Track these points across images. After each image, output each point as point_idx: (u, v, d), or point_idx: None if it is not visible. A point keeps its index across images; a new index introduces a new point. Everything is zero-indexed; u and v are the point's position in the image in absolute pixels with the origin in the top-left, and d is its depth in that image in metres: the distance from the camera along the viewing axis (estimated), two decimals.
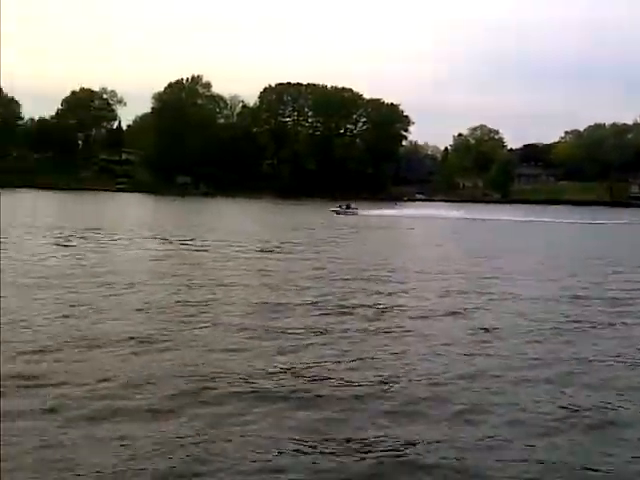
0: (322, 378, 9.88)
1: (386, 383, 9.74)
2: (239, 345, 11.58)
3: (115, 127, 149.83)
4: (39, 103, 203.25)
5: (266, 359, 10.75)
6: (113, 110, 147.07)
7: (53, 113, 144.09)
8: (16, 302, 14.60)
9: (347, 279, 20.50)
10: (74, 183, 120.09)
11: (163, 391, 8.98)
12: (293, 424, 8.06)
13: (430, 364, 10.90)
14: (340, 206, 68.53)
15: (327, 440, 7.60)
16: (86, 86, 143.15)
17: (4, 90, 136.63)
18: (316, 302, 16.06)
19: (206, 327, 12.88)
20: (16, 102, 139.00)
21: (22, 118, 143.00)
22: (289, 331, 12.77)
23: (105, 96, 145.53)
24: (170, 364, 10.25)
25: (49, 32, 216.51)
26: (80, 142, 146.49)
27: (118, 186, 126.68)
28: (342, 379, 9.85)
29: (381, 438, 7.71)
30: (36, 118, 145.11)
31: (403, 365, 10.76)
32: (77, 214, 54.72)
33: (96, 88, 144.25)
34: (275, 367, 10.30)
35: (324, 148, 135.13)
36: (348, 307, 15.62)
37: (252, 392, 9.12)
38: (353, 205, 69.98)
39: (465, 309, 15.81)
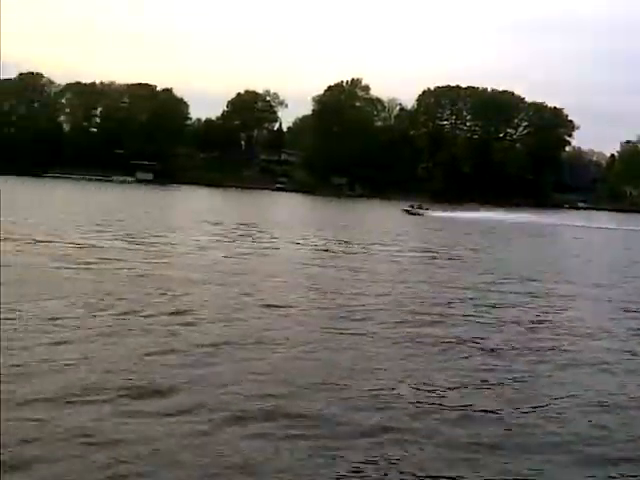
0: (478, 394, 9.42)
1: (549, 408, 9.01)
2: (394, 355, 11.20)
3: (276, 128, 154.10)
4: (206, 104, 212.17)
5: (419, 370, 10.39)
6: (275, 112, 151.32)
7: (219, 114, 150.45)
8: (186, 297, 15.06)
9: (505, 289, 19.59)
10: (237, 181, 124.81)
11: (318, 397, 8.84)
12: (457, 439, 7.71)
13: (602, 388, 10.06)
14: (411, 206, 69.45)
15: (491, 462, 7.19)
16: (250, 88, 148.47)
17: (175, 91, 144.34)
18: (473, 313, 15.36)
19: (359, 334, 12.48)
20: (185, 103, 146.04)
21: (190, 119, 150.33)
22: (444, 341, 12.28)
23: (268, 98, 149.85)
24: (325, 370, 10.09)
25: (217, 35, 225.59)
26: (243, 142, 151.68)
27: (278, 185, 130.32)
28: (499, 398, 9.32)
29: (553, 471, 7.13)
30: (203, 119, 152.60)
31: (569, 389, 9.95)
32: (241, 211, 56.50)
33: (260, 90, 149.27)
34: (431, 381, 9.87)
35: (482, 152, 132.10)
36: (508, 320, 14.83)
37: (409, 404, 8.82)
38: (425, 206, 70.77)
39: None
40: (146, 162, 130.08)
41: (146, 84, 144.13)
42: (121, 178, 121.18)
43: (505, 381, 10.06)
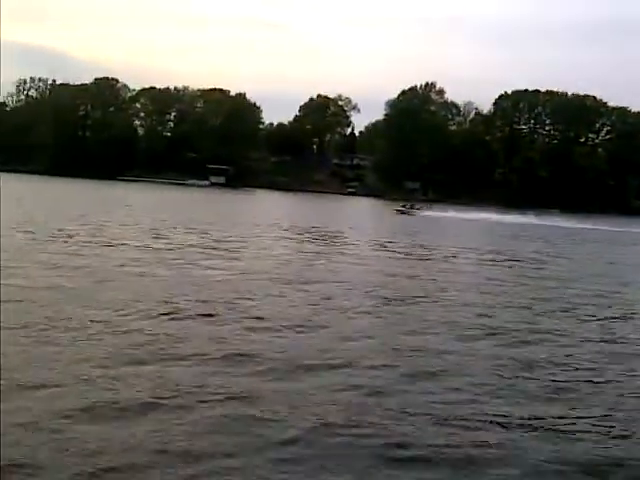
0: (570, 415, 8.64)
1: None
2: (480, 370, 10.34)
3: (348, 133, 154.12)
4: (278, 108, 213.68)
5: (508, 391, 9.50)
6: (347, 116, 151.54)
7: (291, 119, 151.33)
8: (264, 301, 14.65)
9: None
10: (308, 185, 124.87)
11: (409, 412, 8.38)
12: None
13: None
14: (404, 206, 70.28)
15: None
16: (323, 93, 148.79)
17: (248, 96, 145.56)
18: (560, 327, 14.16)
19: (439, 347, 11.59)
20: (258, 107, 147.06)
21: (263, 123, 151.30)
22: (535, 359, 11.24)
23: (340, 103, 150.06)
24: (409, 384, 9.59)
25: (290, 40, 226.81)
26: (315, 147, 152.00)
27: (349, 190, 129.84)
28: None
29: None
30: (275, 123, 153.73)
31: None
32: (315, 215, 56.18)
33: (332, 95, 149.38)
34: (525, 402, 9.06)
35: (561, 157, 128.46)
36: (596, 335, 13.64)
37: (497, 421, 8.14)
38: (417, 205, 72.15)
39: None
40: (219, 166, 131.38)
41: (220, 89, 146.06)
42: (198, 182, 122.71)
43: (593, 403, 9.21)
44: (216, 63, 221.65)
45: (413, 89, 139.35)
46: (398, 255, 27.09)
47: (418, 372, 9.91)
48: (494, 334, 12.86)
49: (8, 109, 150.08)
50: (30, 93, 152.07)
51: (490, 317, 14.54)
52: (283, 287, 16.50)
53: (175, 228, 31.29)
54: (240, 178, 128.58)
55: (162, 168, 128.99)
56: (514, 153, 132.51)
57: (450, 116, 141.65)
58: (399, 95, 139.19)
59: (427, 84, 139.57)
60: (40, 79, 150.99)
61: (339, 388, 8.91)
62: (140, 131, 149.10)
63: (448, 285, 19.05)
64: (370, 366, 10.02)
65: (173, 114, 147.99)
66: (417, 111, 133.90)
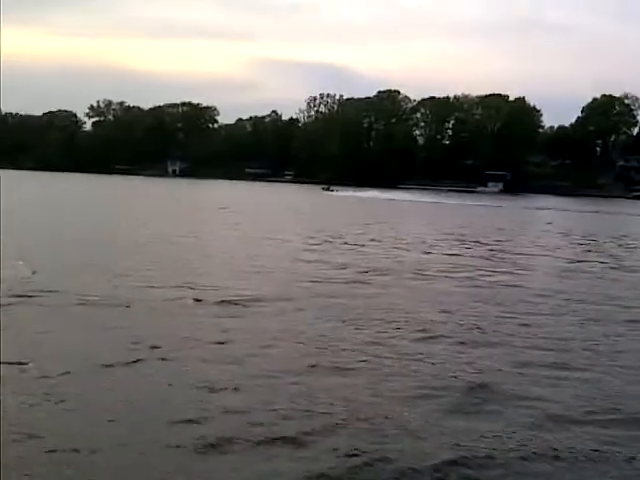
0: None
1: None
2: None
3: (636, 133, 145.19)
4: (560, 111, 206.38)
5: None
6: (635, 116, 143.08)
7: (573, 121, 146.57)
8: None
9: None
10: (589, 190, 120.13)
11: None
12: None
13: None
14: (323, 187, 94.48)
15: None
16: (608, 92, 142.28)
17: (527, 100, 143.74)
18: None
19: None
20: (538, 111, 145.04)
21: (543, 127, 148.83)
22: None
23: (627, 102, 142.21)
24: None
25: (570, 40, 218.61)
26: (598, 149, 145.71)
27: (633, 194, 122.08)
28: None
29: None
30: (555, 126, 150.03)
31: None
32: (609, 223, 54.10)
33: (618, 94, 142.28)
34: None
35: None
36: None
37: None
38: (332, 187, 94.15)
39: None
40: (497, 172, 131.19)
41: (498, 94, 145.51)
42: (487, 189, 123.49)
43: None
44: (494, 69, 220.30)
45: None
46: None
47: None
48: None
49: (300, 125, 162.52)
50: (320, 109, 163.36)
51: None
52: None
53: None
54: (518, 183, 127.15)
55: (440, 175, 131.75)
56: None
57: None
58: None
59: None
60: (328, 95, 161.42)
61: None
62: (420, 140, 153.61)
63: None
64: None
65: (452, 122, 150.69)
66: None
